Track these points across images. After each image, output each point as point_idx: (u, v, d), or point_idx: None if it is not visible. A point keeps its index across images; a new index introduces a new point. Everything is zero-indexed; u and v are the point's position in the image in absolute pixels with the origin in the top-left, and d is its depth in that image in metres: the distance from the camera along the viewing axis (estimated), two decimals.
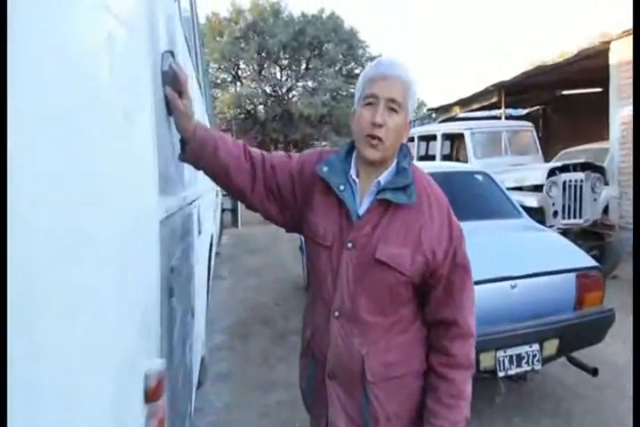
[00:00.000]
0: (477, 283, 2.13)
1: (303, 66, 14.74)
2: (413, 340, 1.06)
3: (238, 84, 14.85)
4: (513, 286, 2.16)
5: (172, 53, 0.96)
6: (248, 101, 14.55)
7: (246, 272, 5.78)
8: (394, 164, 1.04)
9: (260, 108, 15.20)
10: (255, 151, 1.10)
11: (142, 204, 0.70)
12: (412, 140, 7.20)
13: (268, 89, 14.80)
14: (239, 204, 9.06)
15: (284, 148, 15.99)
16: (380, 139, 0.97)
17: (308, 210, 1.07)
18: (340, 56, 14.65)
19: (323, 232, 1.04)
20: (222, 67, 14.78)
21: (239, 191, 1.10)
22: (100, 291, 0.53)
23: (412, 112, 1.04)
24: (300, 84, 15.10)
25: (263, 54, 13.95)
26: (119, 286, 0.60)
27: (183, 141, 1.04)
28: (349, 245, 1.00)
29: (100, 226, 0.54)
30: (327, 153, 1.11)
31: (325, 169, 1.03)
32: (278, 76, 15.05)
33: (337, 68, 14.81)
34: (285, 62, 14.64)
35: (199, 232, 2.02)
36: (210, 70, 13.81)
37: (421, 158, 6.97)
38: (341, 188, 1.02)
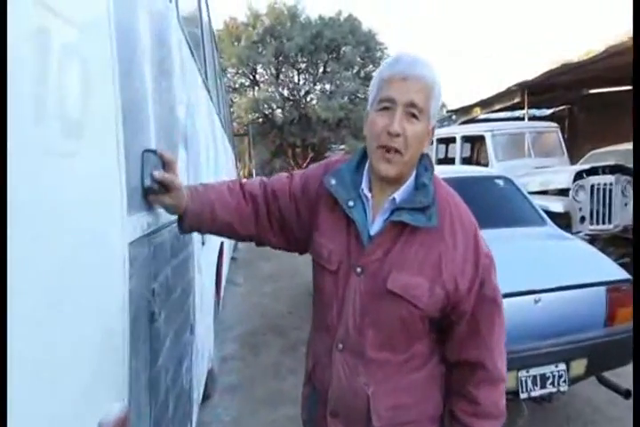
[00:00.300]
0: None
1: (320, 69, 14.69)
2: (429, 379, 0.93)
3: (256, 88, 14.90)
4: (536, 301, 2.01)
5: (154, 152, 0.87)
6: (266, 106, 14.55)
7: (261, 278, 5.72)
8: (412, 178, 0.91)
9: (278, 111, 15.21)
10: (253, 185, 1.01)
11: (98, 226, 0.61)
12: (430, 143, 7.02)
13: (285, 93, 14.80)
14: None
15: (302, 151, 15.96)
16: (397, 151, 0.84)
17: (313, 229, 0.96)
18: (358, 58, 14.54)
19: (327, 254, 0.92)
20: (240, 71, 14.85)
21: (247, 238, 1.03)
22: (38, 329, 0.45)
23: (436, 117, 0.90)
24: (317, 87, 15.06)
25: (280, 58, 13.96)
26: (63, 321, 0.51)
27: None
28: (358, 270, 0.88)
29: (44, 253, 0.45)
30: (335, 163, 0.99)
31: (333, 181, 0.91)
32: (296, 79, 15.05)
33: (355, 71, 14.71)
34: (303, 66, 14.61)
35: (203, 243, 1.95)
36: (228, 75, 13.89)
37: (440, 162, 6.81)
38: (350, 204, 0.89)
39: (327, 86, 14.99)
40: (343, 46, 14.28)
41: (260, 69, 14.82)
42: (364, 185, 0.91)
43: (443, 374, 0.95)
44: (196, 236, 1.73)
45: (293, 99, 14.99)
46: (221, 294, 3.54)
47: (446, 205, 0.89)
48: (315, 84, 15.06)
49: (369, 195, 0.90)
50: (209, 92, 2.75)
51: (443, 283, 0.86)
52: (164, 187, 0.89)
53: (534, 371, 1.97)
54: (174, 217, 1.07)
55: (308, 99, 15.06)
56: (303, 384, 1.07)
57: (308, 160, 15.69)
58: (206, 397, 2.74)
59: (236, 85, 15.18)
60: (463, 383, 0.92)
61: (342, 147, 17.19)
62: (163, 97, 1.12)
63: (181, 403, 1.40)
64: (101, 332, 0.62)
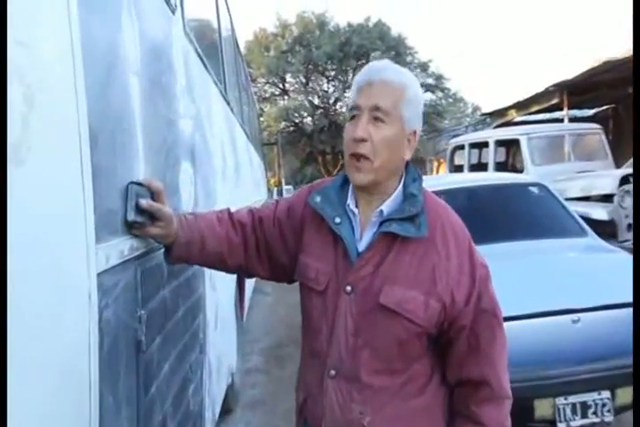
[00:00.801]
0: (531, 316, 1.83)
1: (350, 76, 14.66)
2: (431, 405, 0.87)
3: (285, 97, 15.01)
4: (575, 321, 1.84)
5: (139, 184, 0.84)
6: (296, 114, 14.62)
7: (290, 287, 5.66)
8: (399, 189, 0.88)
9: (308, 120, 15.27)
10: (242, 214, 0.99)
11: (53, 259, 0.56)
12: (462, 147, 6.81)
13: (315, 101, 14.82)
14: None
15: (333, 159, 15.93)
16: (365, 157, 0.81)
17: (299, 251, 0.93)
18: None
19: (314, 275, 0.88)
20: (270, 81, 15.04)
21: (235, 269, 1.00)
22: None
23: (417, 121, 0.86)
24: (346, 94, 15.00)
25: (310, 66, 14.02)
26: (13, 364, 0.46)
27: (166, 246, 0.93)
28: (348, 288, 0.84)
29: None
30: (320, 184, 0.97)
31: (318, 199, 0.88)
32: (325, 87, 15.08)
33: None
34: (332, 73, 14.62)
35: None
36: (258, 85, 14.09)
37: (473, 167, 6.56)
38: (337, 220, 0.86)
39: None
40: (372, 52, 14.19)
41: (289, 78, 14.93)
42: (350, 201, 0.88)
43: (445, 398, 0.89)
44: None
45: (323, 106, 15.01)
46: (245, 306, 3.51)
47: (437, 217, 0.86)
48: (344, 92, 15.01)
49: (356, 210, 0.88)
50: (229, 103, 2.75)
51: (438, 295, 0.82)
52: (152, 216, 0.86)
53: (574, 398, 1.80)
54: None
55: (338, 106, 15.04)
56: (295, 420, 0.99)
57: (338, 167, 15.63)
58: (228, 411, 2.70)
59: (267, 95, 15.34)
60: (466, 403, 0.86)
61: None
62: (158, 112, 1.08)
63: (188, 424, 1.35)
64: (59, 377, 0.57)
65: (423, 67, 14.98)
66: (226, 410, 2.66)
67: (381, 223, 0.84)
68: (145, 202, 0.83)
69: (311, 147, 15.01)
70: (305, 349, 0.95)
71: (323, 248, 0.88)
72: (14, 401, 0.47)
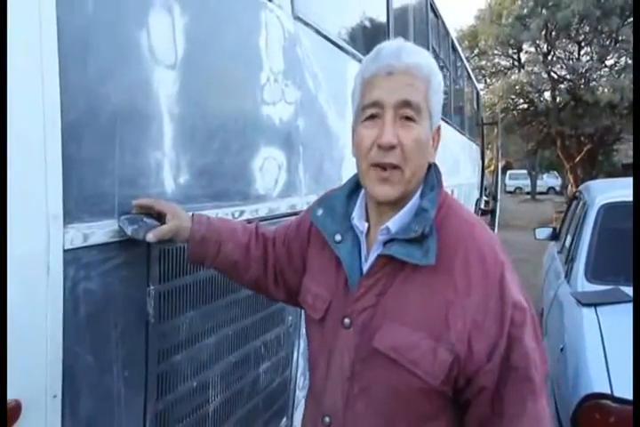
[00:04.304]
0: None
1: (611, 40, 11.43)
2: None
3: (518, 70, 12.98)
4: None
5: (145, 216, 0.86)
6: (531, 88, 12.54)
7: None
8: (414, 200, 0.73)
9: (547, 95, 12.91)
10: (267, 230, 0.94)
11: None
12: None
13: (562, 72, 12.29)
14: (498, 204, 8.07)
15: (577, 143, 13.18)
16: (394, 167, 0.68)
17: (305, 273, 0.85)
18: None
19: (312, 301, 0.80)
20: (503, 53, 13.29)
21: (250, 284, 0.94)
22: None
23: (440, 114, 0.73)
24: (608, 62, 11.80)
25: (552, 32, 11.60)
26: None
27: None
28: (346, 321, 0.73)
29: None
30: (328, 193, 0.87)
31: (320, 212, 0.78)
32: (575, 55, 12.28)
33: None
34: (585, 38, 11.72)
35: None
36: (489, 58, 12.71)
37: None
38: (337, 238, 0.75)
39: (622, 60, 11.61)
40: None
41: (528, 48, 12.82)
42: (356, 214, 0.76)
43: None
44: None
45: (569, 79, 12.36)
46: None
47: (459, 237, 0.69)
48: (602, 61, 11.86)
49: (362, 226, 0.75)
50: None
51: (450, 343, 0.65)
52: (159, 216, 0.86)
53: None
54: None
55: (591, 78, 12.09)
56: None
57: (582, 154, 12.86)
58: None
59: (498, 68, 13.62)
60: None
61: None
62: (214, 101, 1.13)
63: (256, 400, 1.40)
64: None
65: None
66: None
67: (385, 243, 0.71)
68: (134, 202, 0.82)
69: (547, 127, 12.76)
70: (309, 380, 0.87)
71: (323, 270, 0.79)
72: None
